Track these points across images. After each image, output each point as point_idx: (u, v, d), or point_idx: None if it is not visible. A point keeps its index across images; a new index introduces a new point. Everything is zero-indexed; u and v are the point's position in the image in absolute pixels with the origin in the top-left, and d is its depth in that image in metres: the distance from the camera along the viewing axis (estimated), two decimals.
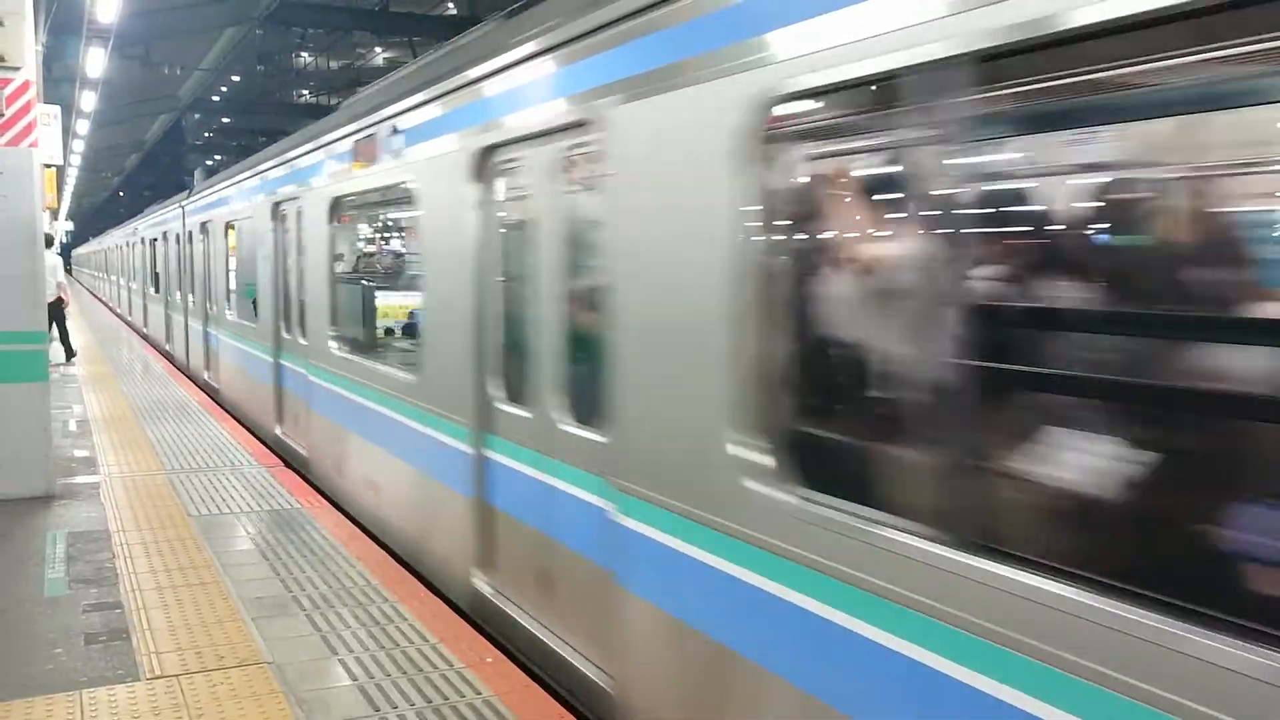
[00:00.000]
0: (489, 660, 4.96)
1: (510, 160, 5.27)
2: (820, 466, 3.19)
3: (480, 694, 4.57)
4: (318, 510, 7.86)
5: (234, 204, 12.94)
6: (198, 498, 8.20)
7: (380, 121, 7.03)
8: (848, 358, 3.57)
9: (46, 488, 8.16)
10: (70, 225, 47.89)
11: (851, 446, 3.41)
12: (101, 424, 11.69)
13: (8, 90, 7.92)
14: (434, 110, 6.12)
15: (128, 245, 25.48)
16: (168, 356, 19.62)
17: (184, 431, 11.26)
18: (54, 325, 17.74)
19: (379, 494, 7.33)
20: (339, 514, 7.80)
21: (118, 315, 33.25)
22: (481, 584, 5.60)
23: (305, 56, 32.67)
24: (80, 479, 8.81)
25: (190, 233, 16.41)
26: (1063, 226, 3.97)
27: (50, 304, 16.90)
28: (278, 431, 10.47)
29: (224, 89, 37.32)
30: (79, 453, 9.95)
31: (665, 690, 3.94)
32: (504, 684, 4.68)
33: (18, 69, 7.99)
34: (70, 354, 18.83)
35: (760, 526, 3.27)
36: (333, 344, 8.47)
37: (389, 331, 9.59)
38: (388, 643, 5.16)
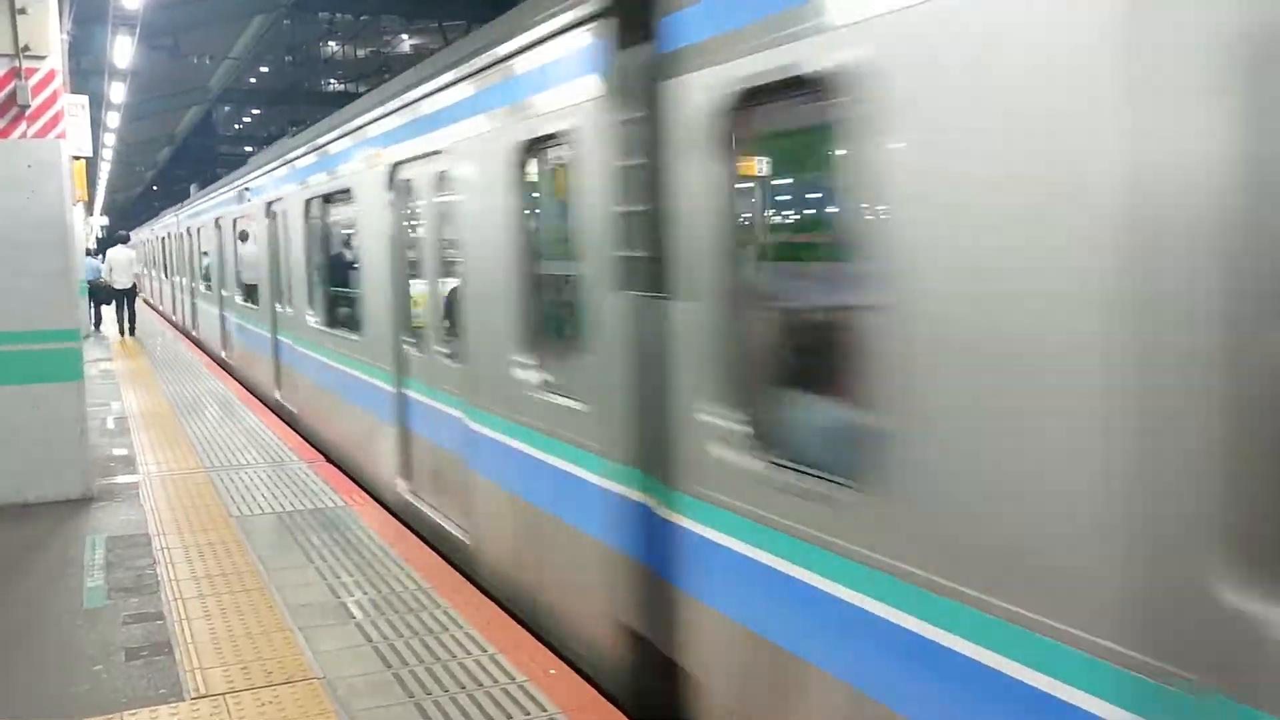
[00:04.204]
0: (552, 672, 4.64)
1: None
2: None
3: (546, 710, 4.25)
4: (362, 508, 7.59)
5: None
6: (239, 497, 7.95)
7: None
8: None
9: (84, 490, 7.94)
10: (105, 220, 48.04)
11: None
12: (140, 421, 11.50)
13: (33, 80, 7.66)
14: None
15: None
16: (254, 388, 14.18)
17: (223, 427, 11.04)
18: (126, 308, 22.23)
19: None
20: (385, 512, 7.52)
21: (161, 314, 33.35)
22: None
23: (333, 45, 32.42)
24: (119, 479, 8.60)
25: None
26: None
27: (126, 290, 21.76)
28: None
29: (253, 80, 37.18)
30: (117, 451, 9.75)
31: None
32: (570, 699, 4.35)
33: (43, 58, 7.73)
34: (130, 331, 22.22)
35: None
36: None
37: None
38: (444, 654, 4.85)
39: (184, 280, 23.84)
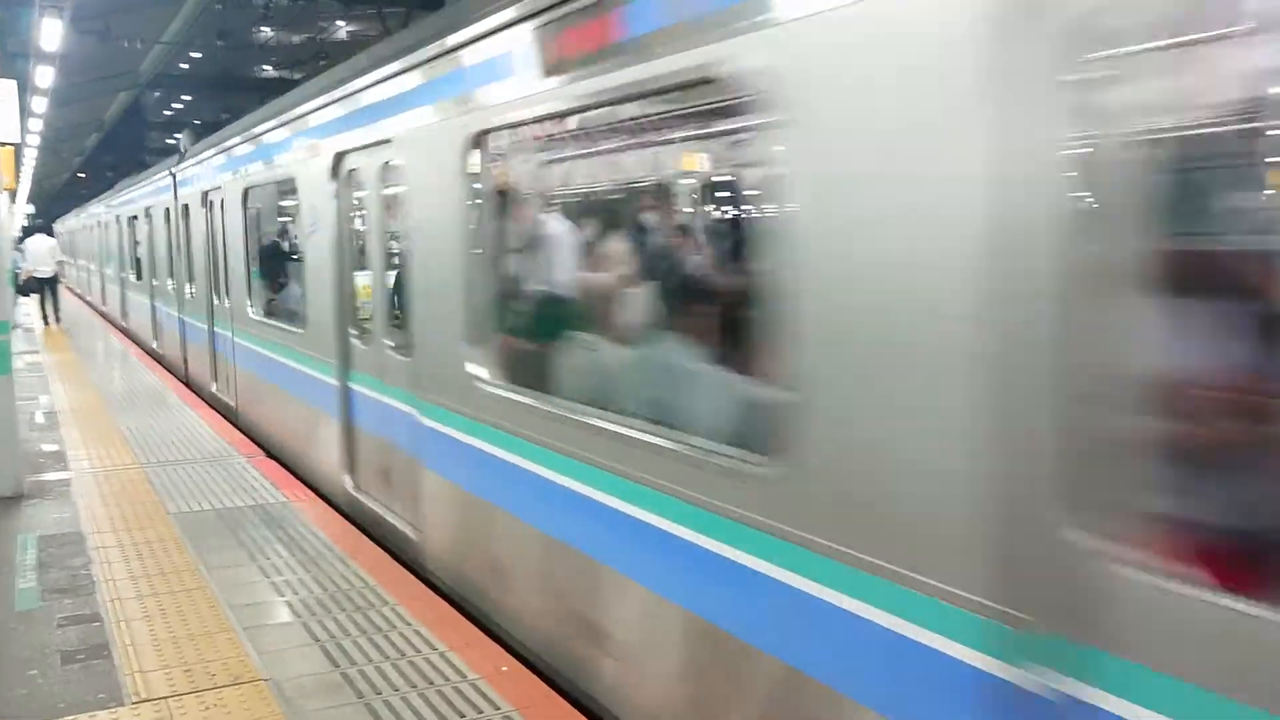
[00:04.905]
0: (504, 669, 4.59)
1: None
2: None
3: (499, 709, 4.20)
4: (304, 504, 7.45)
5: None
6: (176, 493, 7.76)
7: None
8: None
9: (15, 487, 7.69)
10: (31, 209, 46.67)
11: None
12: (70, 415, 11.18)
13: None
14: None
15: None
16: None
17: (157, 421, 10.78)
18: (49, 296, 22.29)
19: None
20: (326, 507, 7.40)
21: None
22: None
23: (267, 30, 31.77)
24: (50, 475, 8.34)
25: None
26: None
27: (48, 279, 22.05)
28: None
29: (184, 65, 36.34)
30: (47, 447, 9.46)
31: None
32: (523, 696, 4.32)
33: None
34: (55, 319, 22.12)
35: None
36: None
37: None
38: (393, 652, 4.78)
39: (187, 289, 13.87)
